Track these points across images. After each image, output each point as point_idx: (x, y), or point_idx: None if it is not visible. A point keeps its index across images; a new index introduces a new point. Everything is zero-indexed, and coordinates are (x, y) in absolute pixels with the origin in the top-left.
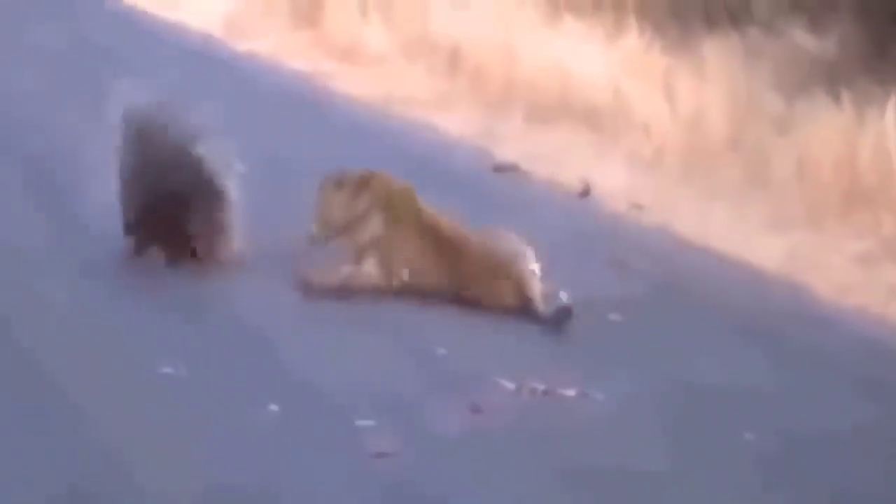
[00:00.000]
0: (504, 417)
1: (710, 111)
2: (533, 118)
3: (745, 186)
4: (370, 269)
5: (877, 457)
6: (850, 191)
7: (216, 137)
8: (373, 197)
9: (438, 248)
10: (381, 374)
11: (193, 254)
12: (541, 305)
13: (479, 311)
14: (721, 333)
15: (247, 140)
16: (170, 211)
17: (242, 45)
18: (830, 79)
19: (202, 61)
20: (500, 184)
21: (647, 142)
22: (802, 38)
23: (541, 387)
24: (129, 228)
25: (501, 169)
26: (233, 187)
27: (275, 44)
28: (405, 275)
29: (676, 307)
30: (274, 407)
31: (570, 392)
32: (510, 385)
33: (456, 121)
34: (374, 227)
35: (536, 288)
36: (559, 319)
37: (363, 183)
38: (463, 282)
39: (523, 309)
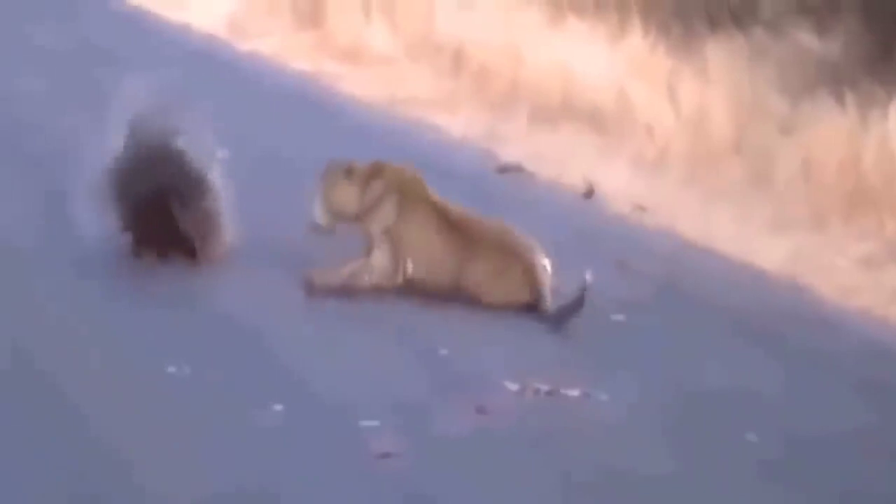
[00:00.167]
0: (508, 418)
1: (714, 112)
2: (537, 119)
3: (748, 188)
4: (380, 259)
5: (880, 459)
6: (853, 193)
7: (197, 128)
8: (386, 183)
9: (451, 234)
10: (385, 375)
11: (186, 248)
12: (549, 302)
13: (484, 305)
14: (724, 335)
15: (250, 140)
16: (158, 206)
17: (246, 46)
18: (835, 80)
19: (206, 61)
20: (503, 184)
21: (650, 143)
22: (807, 40)
23: (544, 387)
24: (126, 225)
25: (505, 169)
26: (217, 177)
27: (278, 44)
28: (411, 268)
29: (680, 308)
30: (278, 407)
31: (574, 393)
32: (514, 385)
33: (459, 121)
34: (387, 213)
35: (547, 283)
36: (563, 315)
37: (375, 171)
38: (473, 269)
39: (532, 303)
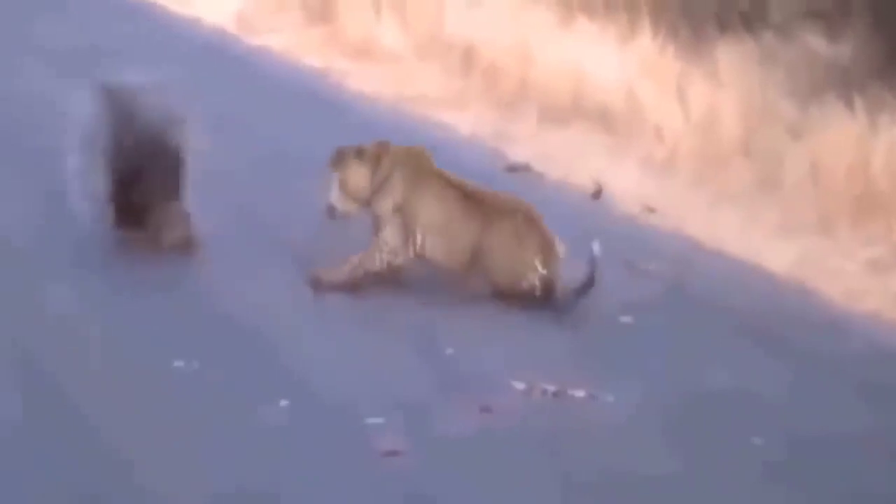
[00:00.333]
0: (513, 418)
1: (723, 115)
2: (546, 119)
3: (757, 191)
4: (390, 235)
5: (885, 461)
6: (862, 197)
7: (165, 97)
8: (392, 158)
9: (468, 203)
10: (391, 373)
11: (150, 228)
12: (560, 292)
13: (497, 282)
14: (731, 337)
15: (258, 135)
16: (131, 183)
17: (255, 41)
18: (844, 84)
19: (215, 56)
20: (512, 184)
21: (659, 144)
22: (816, 44)
23: (551, 388)
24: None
25: (513, 169)
26: (185, 147)
27: (288, 40)
28: (421, 241)
29: (687, 310)
30: (284, 402)
31: (580, 393)
32: (520, 385)
33: (469, 120)
34: (396, 188)
35: (559, 271)
36: (577, 294)
37: (382, 149)
38: (490, 240)
39: (543, 290)
